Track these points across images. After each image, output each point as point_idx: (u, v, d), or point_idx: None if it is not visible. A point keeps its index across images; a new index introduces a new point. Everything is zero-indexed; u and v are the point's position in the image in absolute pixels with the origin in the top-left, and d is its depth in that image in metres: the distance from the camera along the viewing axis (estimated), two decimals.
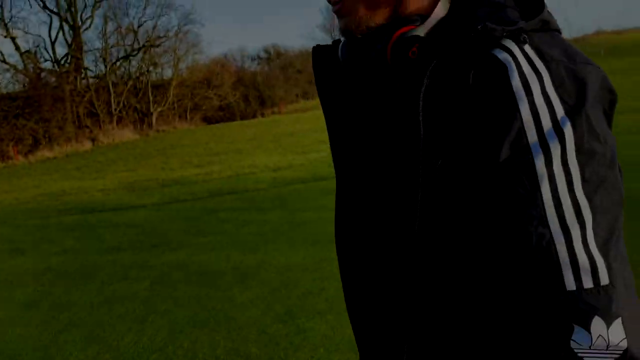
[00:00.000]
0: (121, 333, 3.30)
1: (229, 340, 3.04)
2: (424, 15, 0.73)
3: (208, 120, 33.57)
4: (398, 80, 0.73)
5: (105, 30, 28.94)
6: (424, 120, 0.68)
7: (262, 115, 35.90)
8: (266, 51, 46.87)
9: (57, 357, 3.06)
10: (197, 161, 12.67)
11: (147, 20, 30.61)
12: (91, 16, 28.42)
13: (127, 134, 25.31)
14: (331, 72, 0.86)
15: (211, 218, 6.25)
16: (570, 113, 0.63)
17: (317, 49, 0.89)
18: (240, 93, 37.12)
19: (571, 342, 0.62)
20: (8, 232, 6.98)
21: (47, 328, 3.50)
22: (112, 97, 27.98)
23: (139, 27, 30.03)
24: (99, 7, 28.52)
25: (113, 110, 27.89)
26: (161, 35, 30.86)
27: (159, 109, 30.24)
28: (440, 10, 0.73)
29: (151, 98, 29.90)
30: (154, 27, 30.55)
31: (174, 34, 31.38)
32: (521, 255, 0.63)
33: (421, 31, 0.72)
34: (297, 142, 14.22)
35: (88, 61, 29.28)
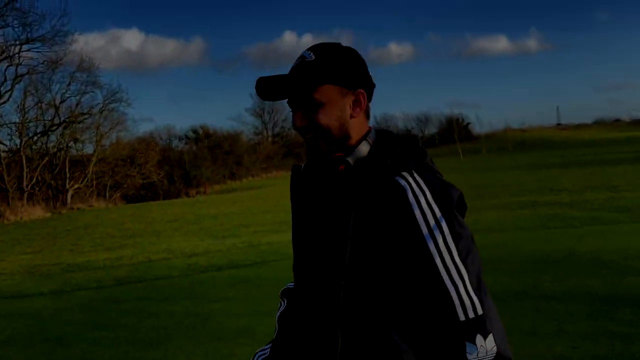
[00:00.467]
0: None
1: None
2: (352, 147, 1.21)
3: (129, 199, 32.51)
4: (336, 185, 1.20)
5: (24, 105, 27.95)
6: (354, 214, 1.14)
7: (187, 194, 35.33)
8: (194, 131, 47.08)
9: None
10: (109, 243, 12.12)
11: (70, 97, 29.79)
12: (11, 90, 27.47)
13: (38, 212, 23.86)
14: (298, 181, 1.34)
15: (113, 309, 5.92)
16: (445, 213, 1.09)
17: (295, 167, 1.38)
18: (165, 172, 36.59)
19: (466, 353, 1.05)
20: None
21: None
22: (25, 172, 26.57)
23: (61, 102, 29.24)
24: (20, 81, 27.73)
25: (24, 186, 26.39)
26: (84, 111, 30.17)
27: (75, 186, 28.97)
28: (361, 148, 1.21)
29: (68, 174, 28.68)
30: (78, 104, 29.85)
31: (98, 111, 30.80)
32: (430, 301, 1.07)
33: (350, 158, 1.20)
34: (219, 225, 14.05)
35: (2, 135, 27.99)
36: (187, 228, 14.05)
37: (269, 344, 1.45)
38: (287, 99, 1.22)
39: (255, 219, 14.53)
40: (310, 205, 1.27)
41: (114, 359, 4.27)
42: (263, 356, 1.42)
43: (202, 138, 45.87)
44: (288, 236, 10.33)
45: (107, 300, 6.44)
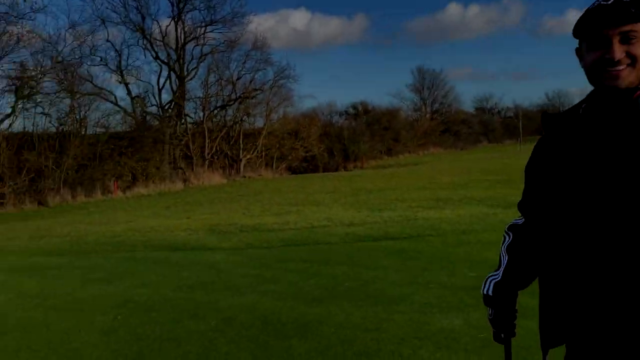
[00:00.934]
0: None
1: None
2: None
3: (292, 170, 34.62)
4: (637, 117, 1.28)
5: (207, 81, 31.29)
6: None
7: (345, 168, 36.48)
8: (354, 107, 48.12)
9: None
10: (276, 209, 13.15)
11: (245, 74, 32.64)
12: (196, 67, 30.94)
13: (216, 178, 26.73)
14: (565, 125, 1.41)
15: (281, 267, 6.49)
16: None
17: (547, 114, 1.47)
18: (325, 146, 38.09)
19: None
20: (100, 262, 7.64)
21: (118, 358, 3.82)
22: (207, 142, 29.86)
23: (237, 79, 32.17)
24: (204, 59, 31.01)
25: (206, 154, 29.70)
26: (257, 87, 32.76)
27: (247, 156, 31.76)
28: None
29: (242, 145, 31.53)
30: (251, 80, 32.55)
31: (268, 88, 33.18)
32: None
33: None
34: (374, 198, 14.35)
35: (189, 108, 31.64)
36: (345, 200, 14.60)
37: (497, 269, 1.60)
38: (594, 32, 1.33)
39: (411, 194, 14.53)
40: (595, 145, 1.32)
41: (282, 309, 4.71)
42: (495, 279, 1.58)
43: (361, 114, 46.65)
44: (444, 214, 10.21)
45: (276, 259, 7.06)
